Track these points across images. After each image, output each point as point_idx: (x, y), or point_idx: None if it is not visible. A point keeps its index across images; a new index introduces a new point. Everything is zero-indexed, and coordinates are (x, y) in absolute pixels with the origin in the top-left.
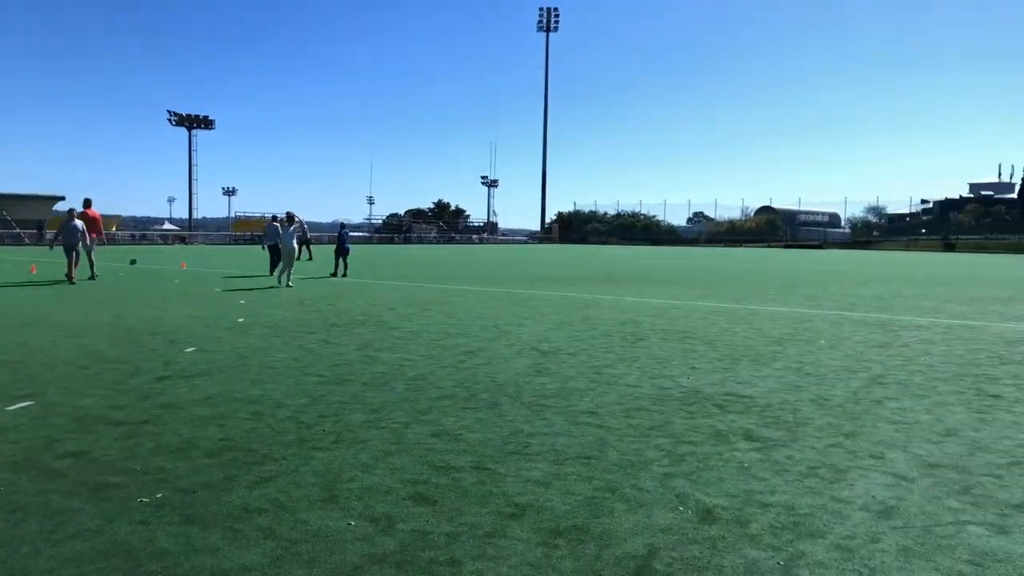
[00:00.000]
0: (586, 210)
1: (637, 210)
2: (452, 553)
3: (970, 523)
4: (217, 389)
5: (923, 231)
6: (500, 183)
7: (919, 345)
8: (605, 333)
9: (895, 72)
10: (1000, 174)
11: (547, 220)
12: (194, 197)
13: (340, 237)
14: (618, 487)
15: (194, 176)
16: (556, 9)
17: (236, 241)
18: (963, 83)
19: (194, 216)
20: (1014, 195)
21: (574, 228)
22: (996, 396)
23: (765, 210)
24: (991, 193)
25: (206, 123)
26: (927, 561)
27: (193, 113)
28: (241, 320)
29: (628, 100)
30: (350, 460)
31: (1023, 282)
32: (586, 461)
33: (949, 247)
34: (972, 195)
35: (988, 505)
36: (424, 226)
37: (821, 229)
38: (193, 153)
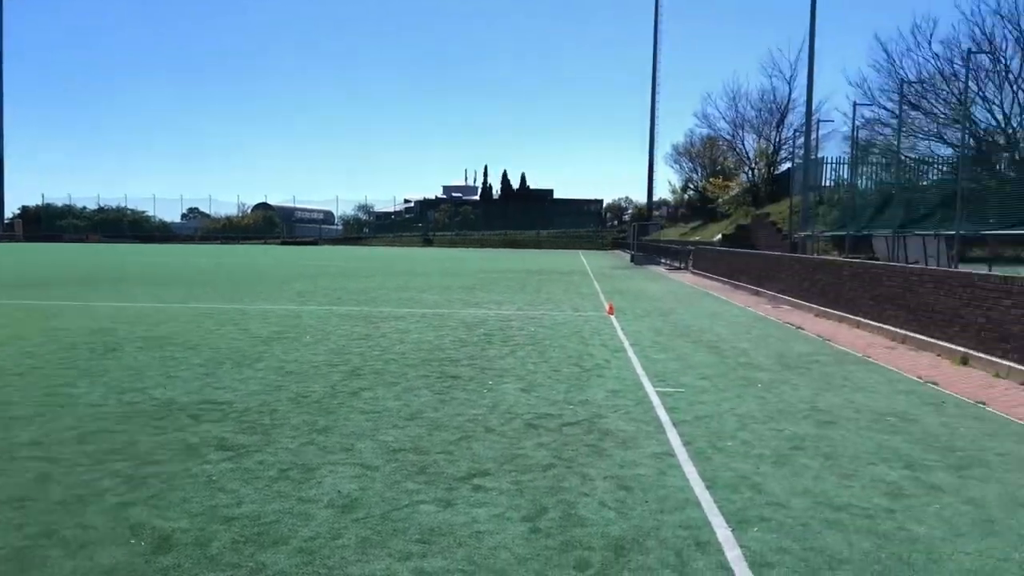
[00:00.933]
0: (59, 204)
1: (123, 204)
2: None
3: (423, 502)
4: None
5: (419, 225)
6: None
7: (396, 335)
8: (69, 346)
9: (359, 79)
10: (466, 178)
11: (7, 216)
12: None
13: None
14: (58, 529)
15: None
16: None
17: None
18: (434, 95)
19: None
20: (477, 197)
21: (44, 224)
22: (455, 377)
23: (262, 207)
24: (460, 195)
25: None
26: (382, 548)
27: None
28: None
29: (105, 87)
30: None
31: (484, 272)
32: (19, 505)
33: (428, 242)
34: (445, 196)
35: (439, 481)
36: None
37: (316, 226)
38: None
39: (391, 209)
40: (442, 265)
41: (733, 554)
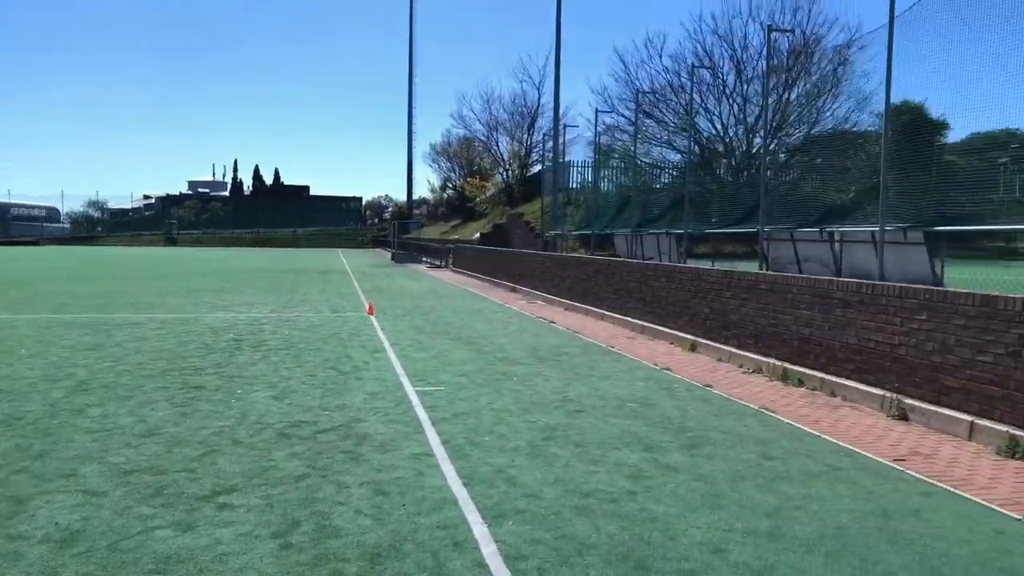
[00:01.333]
0: None
1: None
2: None
3: (159, 527)
4: None
5: (165, 223)
6: None
7: (131, 343)
8: None
9: (90, 60)
10: (215, 173)
11: None
12: None
13: None
14: None
15: None
16: None
17: None
18: (177, 82)
19: None
20: (227, 193)
21: None
22: (199, 387)
23: None
24: (208, 191)
25: None
26: None
27: None
28: None
29: None
30: None
31: (234, 273)
32: None
33: (172, 242)
34: (191, 192)
35: (179, 503)
36: None
37: (39, 224)
38: None
39: (128, 206)
40: (187, 266)
41: (489, 550)
